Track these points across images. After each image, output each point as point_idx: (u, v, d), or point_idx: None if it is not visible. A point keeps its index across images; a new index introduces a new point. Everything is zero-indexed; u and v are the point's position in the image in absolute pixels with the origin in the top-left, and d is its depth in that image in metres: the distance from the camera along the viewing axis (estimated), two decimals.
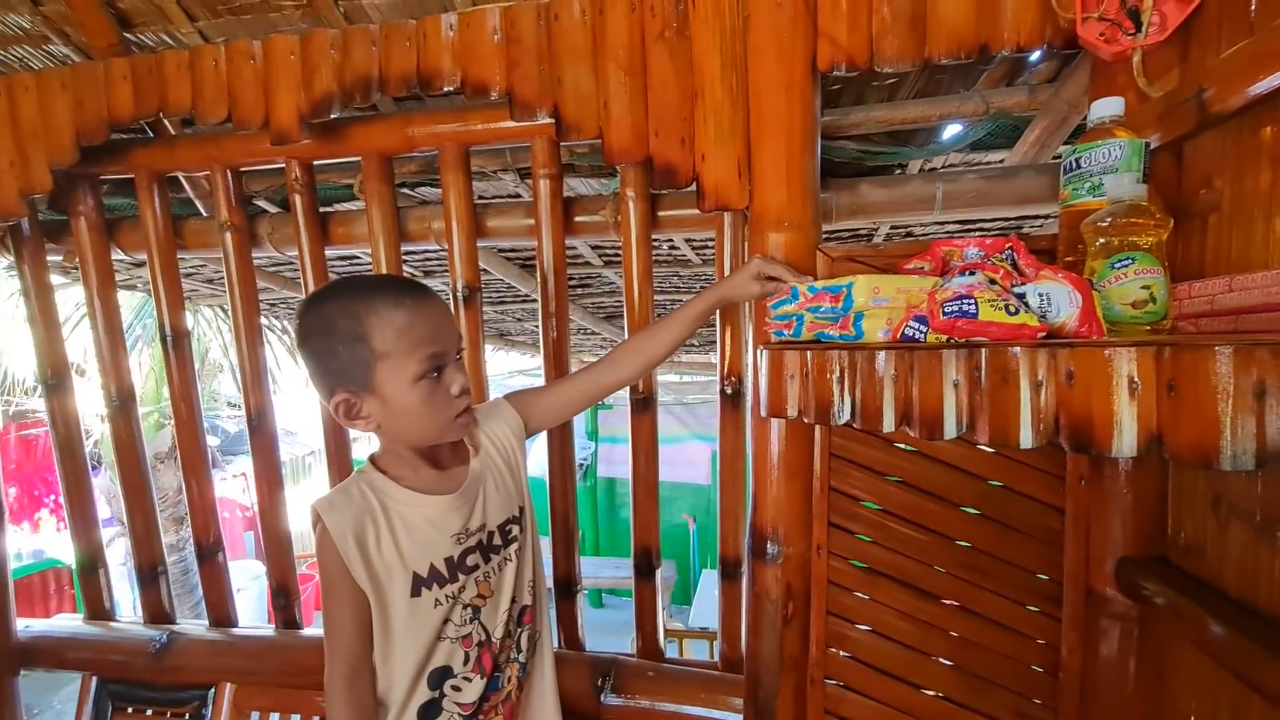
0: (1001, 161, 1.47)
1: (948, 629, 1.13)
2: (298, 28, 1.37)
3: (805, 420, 0.97)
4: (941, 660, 1.13)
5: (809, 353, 0.95)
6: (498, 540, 0.97)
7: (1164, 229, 0.79)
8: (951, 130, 1.53)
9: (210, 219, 1.65)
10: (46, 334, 1.66)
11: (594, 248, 2.37)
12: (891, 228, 1.90)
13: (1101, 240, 0.82)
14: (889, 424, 0.84)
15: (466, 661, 0.94)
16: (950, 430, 0.77)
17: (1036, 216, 1.88)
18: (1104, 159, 0.86)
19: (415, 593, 0.90)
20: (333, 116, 1.32)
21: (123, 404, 1.64)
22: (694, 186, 1.13)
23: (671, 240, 2.18)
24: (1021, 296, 0.78)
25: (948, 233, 1.94)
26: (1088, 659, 1.05)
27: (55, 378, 1.67)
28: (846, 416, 0.89)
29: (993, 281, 0.80)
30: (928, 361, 0.80)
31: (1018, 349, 0.70)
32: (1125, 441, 0.63)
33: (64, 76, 1.37)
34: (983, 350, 0.74)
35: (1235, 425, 0.56)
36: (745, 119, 1.09)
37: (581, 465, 7.10)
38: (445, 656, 0.93)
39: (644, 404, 1.39)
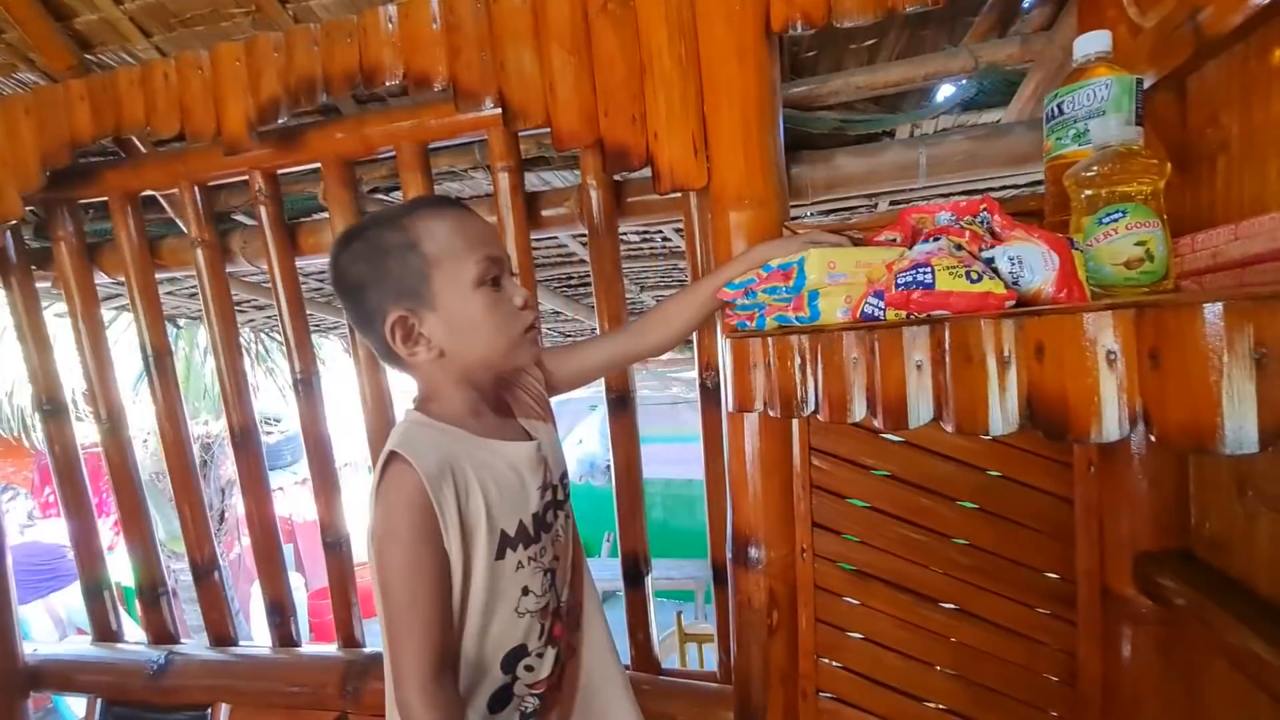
0: (998, 122, 1.35)
1: (949, 635, 1.02)
2: (250, 35, 1.34)
3: (771, 414, 0.89)
4: (944, 670, 1.03)
5: (770, 339, 0.87)
6: (562, 495, 0.88)
7: (1159, 175, 0.68)
8: (945, 91, 1.42)
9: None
10: (40, 360, 1.68)
11: (585, 244, 2.31)
12: (892, 202, 1.78)
13: (1087, 193, 0.71)
14: (857, 414, 0.75)
15: (541, 635, 0.81)
16: (916, 418, 0.69)
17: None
18: (1089, 101, 0.76)
19: (499, 555, 0.76)
20: (290, 124, 1.29)
21: (113, 425, 1.64)
22: (650, 169, 1.06)
23: (662, 231, 2.10)
24: (990, 262, 0.68)
25: (944, 197, 1.81)
26: (1109, 666, 0.94)
27: (51, 403, 1.69)
28: (812, 407, 0.81)
29: (959, 248, 0.71)
30: (888, 341, 0.71)
31: (981, 321, 0.61)
32: (1107, 425, 0.53)
33: (27, 101, 1.37)
34: (945, 325, 0.65)
35: (1231, 399, 0.46)
36: (698, 91, 1.01)
37: (607, 466, 7.04)
38: (522, 633, 0.79)
39: (621, 402, 1.32)
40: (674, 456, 5.14)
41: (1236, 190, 0.73)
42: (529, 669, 0.81)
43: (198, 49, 1.32)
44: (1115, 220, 0.68)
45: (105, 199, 1.53)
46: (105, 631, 1.77)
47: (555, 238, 2.13)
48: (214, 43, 1.32)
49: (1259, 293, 0.44)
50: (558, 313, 3.36)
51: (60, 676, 1.70)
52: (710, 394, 1.26)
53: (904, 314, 0.69)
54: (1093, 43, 0.77)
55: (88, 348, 1.61)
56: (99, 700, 1.66)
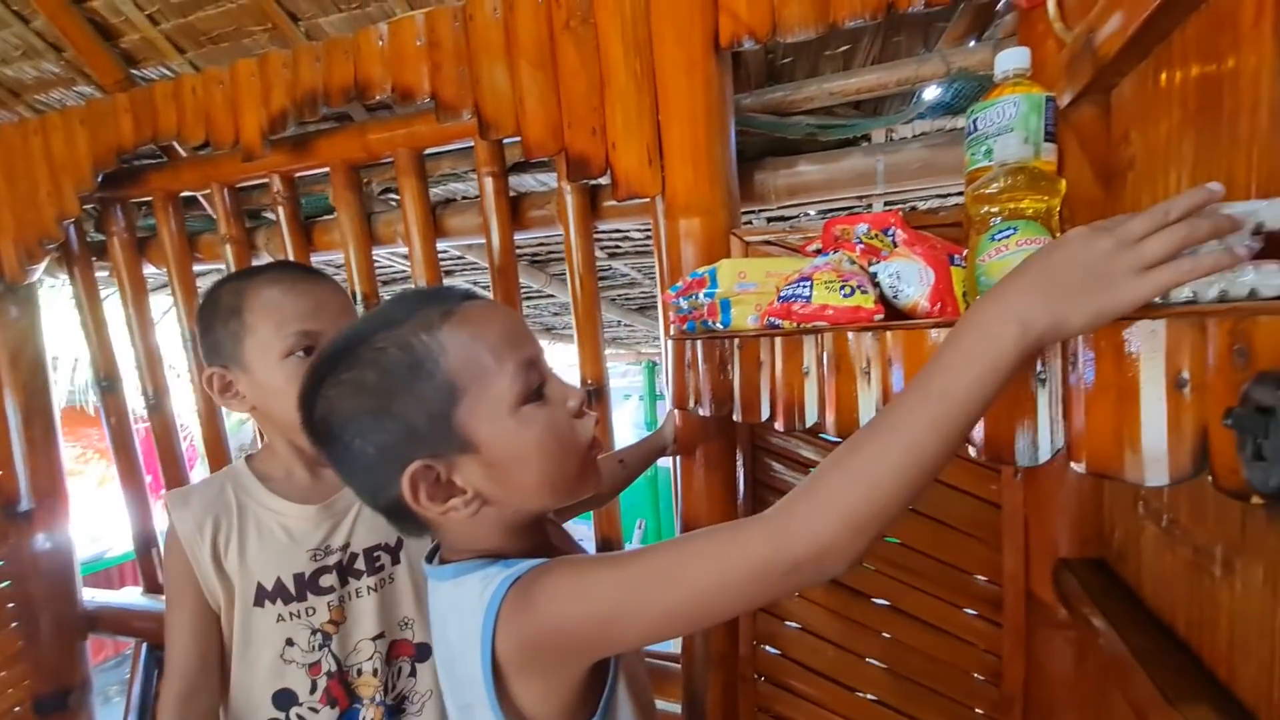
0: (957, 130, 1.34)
1: (880, 630, 1.06)
2: (269, 49, 1.46)
3: (701, 412, 0.95)
4: (877, 663, 1.07)
5: (699, 342, 0.93)
6: (360, 565, 0.89)
7: (1051, 195, 0.70)
8: (929, 94, 1.41)
9: None
10: (99, 341, 1.88)
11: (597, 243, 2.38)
12: (886, 204, 1.78)
13: (984, 209, 0.74)
14: (763, 414, 0.81)
15: (313, 691, 0.86)
16: (806, 420, 0.74)
17: None
18: (998, 118, 0.78)
19: (258, 603, 0.84)
20: (305, 131, 1.42)
21: (158, 401, 1.83)
22: (609, 176, 1.12)
23: None
24: (875, 276, 0.72)
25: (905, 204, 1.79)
26: (1031, 670, 0.96)
27: (108, 380, 1.89)
28: (736, 408, 0.87)
29: (851, 262, 0.74)
30: (784, 348, 0.76)
31: (848, 334, 0.66)
32: None
33: (82, 113, 1.54)
34: (825, 335, 0.70)
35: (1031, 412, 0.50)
36: (653, 104, 1.07)
37: None
38: (290, 680, 0.86)
39: (595, 394, 1.39)
40: None
41: (1138, 208, 0.73)
42: (301, 718, 0.86)
43: (224, 64, 1.46)
44: (1007, 236, 0.71)
45: (150, 198, 1.70)
46: (153, 584, 1.98)
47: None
48: (237, 58, 1.45)
49: None
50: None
51: (114, 621, 1.92)
52: None
53: (795, 324, 0.74)
54: (1011, 59, 0.79)
55: (137, 331, 1.80)
56: (144, 644, 1.86)
